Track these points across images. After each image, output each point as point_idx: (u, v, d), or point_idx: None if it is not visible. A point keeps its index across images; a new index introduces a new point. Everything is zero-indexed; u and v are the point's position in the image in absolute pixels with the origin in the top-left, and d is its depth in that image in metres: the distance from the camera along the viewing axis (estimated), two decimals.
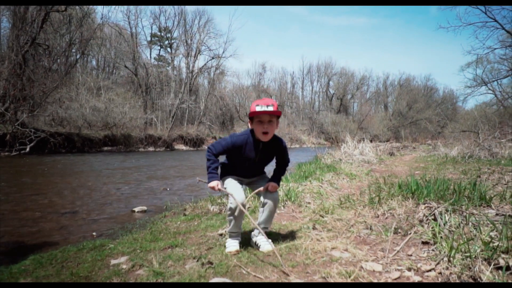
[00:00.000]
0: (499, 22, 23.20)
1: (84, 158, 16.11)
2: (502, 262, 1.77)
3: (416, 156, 14.03)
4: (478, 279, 1.69)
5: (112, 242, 3.22)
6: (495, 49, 24.71)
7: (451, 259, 1.93)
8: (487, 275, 1.68)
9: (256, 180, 2.85)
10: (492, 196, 3.74)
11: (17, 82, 18.39)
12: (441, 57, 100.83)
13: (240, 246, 2.66)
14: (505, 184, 5.16)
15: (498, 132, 17.71)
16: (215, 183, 2.59)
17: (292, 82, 68.47)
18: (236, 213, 2.57)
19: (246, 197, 2.69)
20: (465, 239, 2.01)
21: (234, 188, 2.61)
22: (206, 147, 2.78)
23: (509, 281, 1.66)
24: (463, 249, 1.97)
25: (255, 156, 2.68)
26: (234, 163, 2.79)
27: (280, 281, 1.98)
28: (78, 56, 27.37)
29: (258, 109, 2.48)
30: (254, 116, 2.54)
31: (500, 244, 1.90)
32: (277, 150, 2.76)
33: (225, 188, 2.68)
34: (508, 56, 27.31)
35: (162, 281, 2.12)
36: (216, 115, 41.98)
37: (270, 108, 2.47)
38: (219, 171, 2.75)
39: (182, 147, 31.50)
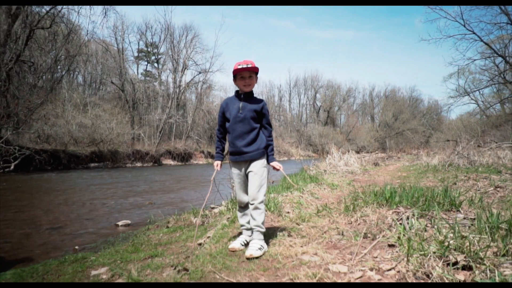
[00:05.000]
0: (478, 34, 23.95)
1: (70, 175, 16.00)
2: (452, 259, 1.92)
3: (400, 166, 14.30)
4: (430, 275, 1.83)
5: (93, 255, 3.29)
6: (475, 60, 25.44)
7: (409, 258, 2.07)
8: (437, 270, 1.82)
9: (253, 167, 2.97)
10: (462, 201, 3.92)
11: (1, 99, 18.28)
12: (425, 68, 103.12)
13: (247, 242, 2.99)
14: (478, 190, 5.37)
15: (481, 140, 18.17)
16: (216, 163, 3.16)
17: (279, 95, 69.21)
18: (240, 207, 3.14)
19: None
20: (421, 240, 2.16)
21: (237, 188, 3.10)
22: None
23: (456, 274, 1.80)
24: (421, 249, 2.12)
25: (239, 108, 3.00)
26: (229, 130, 3.05)
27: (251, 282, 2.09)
28: (63, 73, 27.29)
29: (239, 67, 2.95)
30: (236, 74, 3.01)
31: (451, 242, 2.06)
32: (257, 103, 3.05)
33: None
34: (488, 66, 28.23)
35: None
36: (204, 130, 42.05)
37: (250, 66, 2.94)
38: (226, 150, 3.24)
39: (170, 162, 31.39)
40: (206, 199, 3.18)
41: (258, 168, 2.95)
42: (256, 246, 2.75)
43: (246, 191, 3.03)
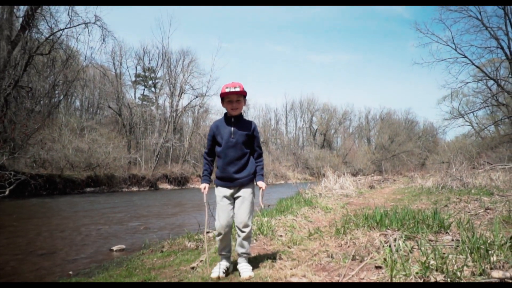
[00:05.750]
0: (469, 58, 24.61)
1: (66, 200, 15.94)
2: (432, 278, 2.00)
3: (395, 188, 14.38)
4: None
5: (87, 280, 3.33)
6: (468, 83, 26.01)
7: (393, 279, 2.14)
8: None
9: (242, 193, 3.00)
10: (451, 223, 4.00)
11: None
12: (419, 91, 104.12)
13: (227, 270, 2.98)
14: (468, 212, 5.46)
15: (476, 162, 18.33)
16: (203, 186, 3.09)
17: (276, 119, 69.58)
18: (220, 234, 2.96)
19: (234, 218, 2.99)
20: (403, 261, 2.24)
21: (220, 211, 2.98)
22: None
23: None
24: (404, 270, 2.19)
25: (231, 133, 3.01)
26: (220, 155, 3.06)
27: None
28: (61, 97, 27.51)
29: (227, 90, 2.95)
30: (224, 97, 3.02)
31: (432, 263, 2.14)
32: (248, 126, 3.09)
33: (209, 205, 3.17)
34: (480, 89, 28.78)
35: None
36: (201, 153, 41.99)
37: (237, 89, 2.94)
38: (213, 175, 3.18)
39: (166, 186, 31.29)
40: (206, 221, 3.09)
41: (248, 194, 2.99)
42: (250, 267, 2.88)
43: (229, 217, 2.97)
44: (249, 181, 3.05)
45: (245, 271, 2.81)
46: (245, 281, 2.70)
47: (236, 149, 3.02)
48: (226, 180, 3.03)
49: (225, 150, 3.02)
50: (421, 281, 2.00)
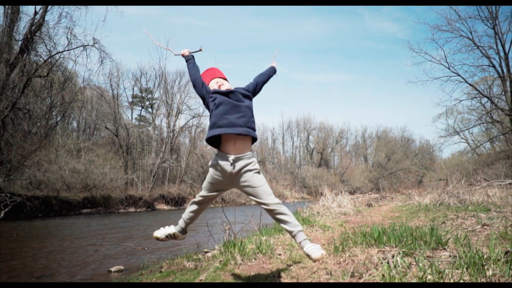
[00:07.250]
0: (462, 76, 25.01)
1: (62, 222, 15.80)
2: None
3: (393, 206, 14.36)
4: None
5: None
6: (462, 100, 26.35)
7: None
8: None
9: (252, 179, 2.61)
10: (448, 239, 4.04)
11: None
12: (414, 109, 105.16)
13: (172, 236, 3.02)
14: (465, 228, 5.48)
15: (473, 179, 18.40)
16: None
17: (273, 138, 69.84)
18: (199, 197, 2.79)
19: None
20: (401, 277, 2.27)
21: (207, 184, 2.75)
22: None
23: None
24: None
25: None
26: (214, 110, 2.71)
27: None
28: (58, 119, 27.60)
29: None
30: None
31: (429, 278, 2.17)
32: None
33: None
34: (475, 106, 29.19)
35: None
36: (198, 173, 42.01)
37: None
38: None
39: (163, 206, 31.11)
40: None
41: (258, 178, 2.62)
42: (316, 246, 2.43)
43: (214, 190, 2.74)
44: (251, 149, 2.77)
45: (316, 251, 2.37)
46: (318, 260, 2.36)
47: (236, 96, 2.86)
48: (224, 126, 2.64)
49: (220, 99, 2.81)
50: None
